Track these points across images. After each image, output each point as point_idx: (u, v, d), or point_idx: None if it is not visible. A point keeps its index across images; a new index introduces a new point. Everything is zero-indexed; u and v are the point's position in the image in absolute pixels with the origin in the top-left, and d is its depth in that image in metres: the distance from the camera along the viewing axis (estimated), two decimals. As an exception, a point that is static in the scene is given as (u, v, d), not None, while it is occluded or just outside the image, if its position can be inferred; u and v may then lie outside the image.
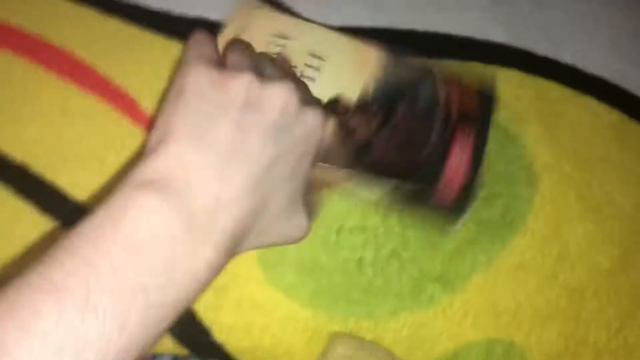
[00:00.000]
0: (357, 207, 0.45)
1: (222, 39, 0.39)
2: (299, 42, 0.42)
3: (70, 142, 0.44)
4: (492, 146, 0.48)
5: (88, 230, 0.25)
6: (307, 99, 0.34)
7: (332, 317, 0.43)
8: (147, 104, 0.46)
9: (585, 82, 0.53)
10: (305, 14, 0.51)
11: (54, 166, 0.43)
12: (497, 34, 0.54)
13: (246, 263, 0.43)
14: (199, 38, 0.34)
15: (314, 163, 0.33)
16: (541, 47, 0.54)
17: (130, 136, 0.44)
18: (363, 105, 0.40)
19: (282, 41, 0.42)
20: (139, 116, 0.45)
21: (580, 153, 0.49)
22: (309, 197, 0.34)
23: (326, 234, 0.44)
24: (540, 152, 0.49)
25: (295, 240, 0.34)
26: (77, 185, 0.43)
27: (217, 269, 0.28)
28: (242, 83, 0.30)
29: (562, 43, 0.55)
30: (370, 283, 0.43)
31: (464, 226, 0.42)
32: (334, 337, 0.42)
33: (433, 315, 0.43)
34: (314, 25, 0.44)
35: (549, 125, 0.50)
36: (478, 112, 0.43)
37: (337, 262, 0.44)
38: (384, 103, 0.41)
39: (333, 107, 0.40)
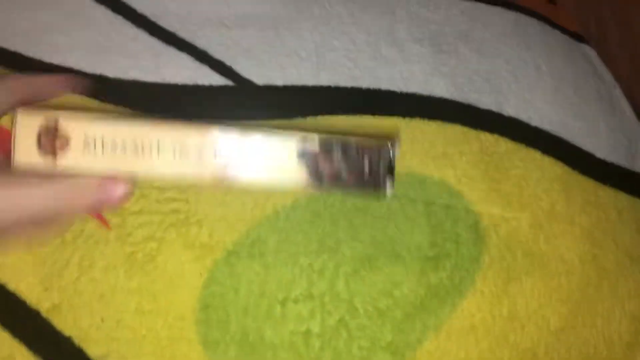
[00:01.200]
0: (302, 274, 0.43)
1: None
2: None
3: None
4: (438, 206, 0.47)
5: None
6: None
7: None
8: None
9: (529, 134, 0.53)
10: (246, 74, 0.50)
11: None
12: (441, 87, 0.54)
13: (185, 341, 0.41)
14: None
15: None
16: (485, 100, 0.54)
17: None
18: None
19: None
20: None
21: (527, 208, 0.49)
22: None
23: (270, 306, 0.42)
24: (487, 209, 0.48)
25: None
26: (4, 267, 0.40)
27: None
28: None
29: (505, 93, 0.55)
30: (318, 357, 0.41)
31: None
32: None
33: (383, 387, 0.41)
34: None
35: (494, 180, 0.50)
36: None
37: (283, 336, 0.42)
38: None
39: None
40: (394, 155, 0.34)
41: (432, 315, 0.44)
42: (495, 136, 0.52)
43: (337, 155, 0.34)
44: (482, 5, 0.62)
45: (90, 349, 0.39)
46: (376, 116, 0.51)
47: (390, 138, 0.33)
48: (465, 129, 0.51)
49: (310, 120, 0.49)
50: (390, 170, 0.34)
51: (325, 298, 0.43)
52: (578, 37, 0.65)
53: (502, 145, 0.51)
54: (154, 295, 0.42)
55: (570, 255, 0.48)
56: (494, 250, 0.47)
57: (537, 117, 0.54)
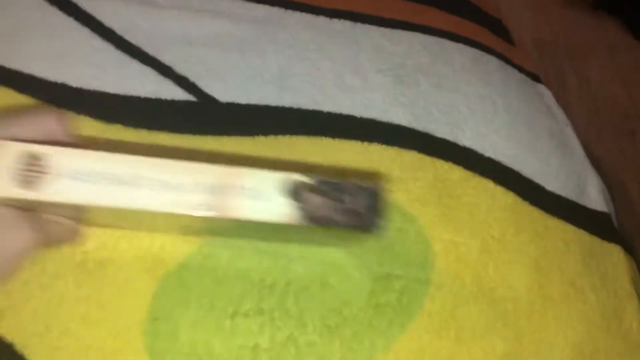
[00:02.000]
0: (253, 289, 0.43)
1: None
2: None
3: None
4: (390, 228, 0.48)
5: None
6: None
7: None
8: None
9: (483, 164, 0.55)
10: (209, 90, 0.51)
11: None
12: (399, 115, 0.55)
13: (132, 352, 0.40)
14: None
15: None
16: (442, 130, 0.56)
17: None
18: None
19: None
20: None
21: (477, 235, 0.51)
22: None
23: (220, 319, 0.42)
24: (438, 234, 0.49)
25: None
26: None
27: None
28: None
29: (461, 126, 0.57)
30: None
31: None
32: None
33: (328, 405, 0.41)
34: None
35: (447, 206, 0.51)
36: None
37: (231, 349, 0.42)
38: None
39: None
40: (382, 195, 0.34)
41: (381, 335, 0.44)
42: (450, 164, 0.53)
43: (328, 196, 0.34)
44: (444, 41, 0.64)
45: (32, 357, 0.39)
46: (336, 139, 0.52)
47: (378, 179, 0.34)
48: (421, 156, 0.53)
49: (271, 139, 0.50)
50: (380, 209, 0.35)
51: (275, 313, 0.43)
52: (533, 77, 0.68)
53: (455, 172, 0.53)
54: (102, 304, 0.41)
55: (518, 283, 0.49)
56: (443, 274, 0.48)
57: (491, 149, 0.56)
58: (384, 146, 0.52)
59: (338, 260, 0.46)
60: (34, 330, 0.39)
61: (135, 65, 0.50)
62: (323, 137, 0.52)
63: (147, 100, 0.49)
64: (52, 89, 0.48)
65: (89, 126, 0.47)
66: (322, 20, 0.60)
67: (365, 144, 0.52)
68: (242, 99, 0.52)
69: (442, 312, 0.46)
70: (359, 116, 0.54)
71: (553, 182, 0.56)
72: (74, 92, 0.48)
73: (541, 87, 0.67)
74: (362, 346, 0.44)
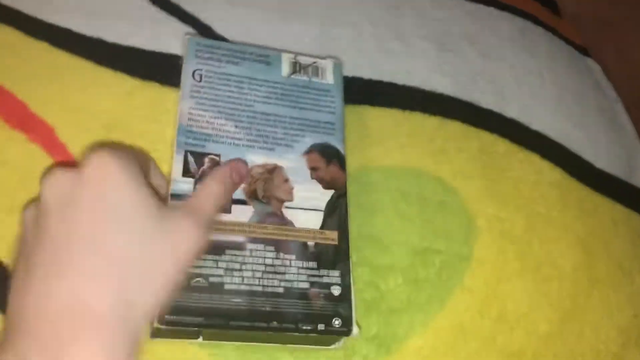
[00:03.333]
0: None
1: None
2: None
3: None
4: (432, 201, 0.46)
5: None
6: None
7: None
8: (67, 135, 0.42)
9: (529, 138, 0.52)
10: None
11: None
12: (443, 85, 0.53)
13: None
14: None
15: None
16: (487, 100, 0.53)
17: (44, 169, 0.41)
18: None
19: None
20: (56, 148, 0.41)
21: (522, 210, 0.48)
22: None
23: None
24: (481, 208, 0.47)
25: (191, 251, 0.30)
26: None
27: None
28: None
29: (507, 97, 0.55)
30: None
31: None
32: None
33: (366, 378, 0.40)
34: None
35: (491, 180, 0.49)
36: None
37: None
38: None
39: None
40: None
41: (420, 310, 0.43)
42: (495, 136, 0.51)
43: None
44: (490, 9, 0.62)
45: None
46: (376, 107, 0.50)
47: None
48: (465, 127, 0.51)
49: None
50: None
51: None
52: (582, 50, 0.65)
53: (501, 145, 0.51)
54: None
55: (563, 261, 0.47)
56: (486, 250, 0.46)
57: (538, 122, 0.53)
58: (426, 115, 0.50)
59: (375, 234, 0.44)
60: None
61: (172, 23, 0.49)
62: (362, 105, 0.50)
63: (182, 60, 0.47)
64: (88, 44, 0.46)
65: (124, 83, 0.45)
66: (364, -17, 0.57)
67: (407, 112, 0.50)
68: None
69: (483, 288, 0.45)
70: (400, 83, 0.52)
71: (602, 159, 0.54)
72: (109, 47, 0.46)
73: (590, 62, 0.64)
74: (400, 321, 0.42)
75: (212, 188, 0.34)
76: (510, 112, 0.53)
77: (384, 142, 0.48)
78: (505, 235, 0.47)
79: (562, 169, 0.51)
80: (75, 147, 0.42)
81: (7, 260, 0.38)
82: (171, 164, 0.37)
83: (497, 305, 0.44)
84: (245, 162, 0.38)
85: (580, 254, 0.48)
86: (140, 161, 0.31)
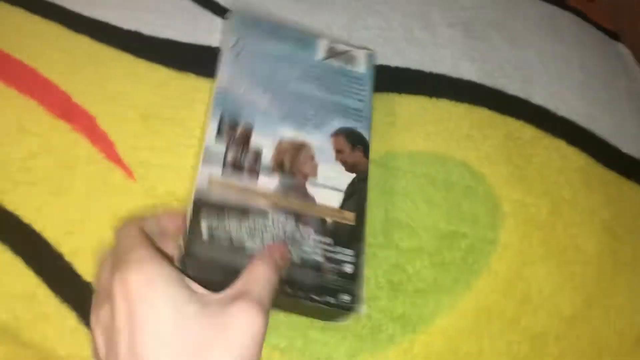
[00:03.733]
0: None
1: None
2: None
3: (24, 161, 0.42)
4: (458, 186, 0.47)
5: None
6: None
7: (290, 357, 0.42)
8: (107, 124, 0.44)
9: (556, 124, 0.53)
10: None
11: (4, 187, 0.41)
12: (470, 72, 0.54)
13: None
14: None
15: None
16: (513, 86, 0.54)
17: (87, 156, 0.43)
18: None
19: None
20: (97, 136, 0.44)
21: (548, 195, 0.49)
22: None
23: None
24: (507, 193, 0.48)
25: (256, 336, 0.29)
26: (29, 207, 0.41)
27: None
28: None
29: (534, 83, 0.55)
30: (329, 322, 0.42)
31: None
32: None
33: (393, 356, 0.41)
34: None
35: (517, 166, 0.50)
36: None
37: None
38: None
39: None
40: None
41: (446, 293, 0.44)
42: (521, 122, 0.52)
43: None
44: (518, -5, 0.62)
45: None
46: (402, 94, 0.51)
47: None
48: (492, 113, 0.51)
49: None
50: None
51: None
52: (612, 35, 0.64)
53: (527, 131, 0.51)
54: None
55: (588, 245, 0.48)
56: (511, 234, 0.47)
57: (565, 108, 0.54)
58: (453, 102, 0.51)
59: (403, 217, 0.46)
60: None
61: (207, 16, 0.50)
62: (389, 93, 0.51)
63: (217, 50, 0.49)
64: (126, 37, 0.48)
65: (160, 74, 0.47)
66: (392, -29, 0.58)
67: (434, 99, 0.51)
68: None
69: (508, 271, 0.46)
70: (427, 71, 0.53)
71: (629, 145, 0.54)
72: (146, 40, 0.48)
73: (620, 46, 0.64)
74: (427, 303, 0.44)
75: (263, 271, 0.32)
76: (537, 98, 0.54)
77: (411, 129, 0.49)
78: (530, 220, 0.48)
79: (588, 154, 0.52)
80: (114, 135, 0.44)
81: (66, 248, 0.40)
82: (205, 126, 0.39)
83: (521, 288, 0.45)
84: (287, 245, 0.37)
85: (606, 238, 0.49)
86: (156, 255, 0.30)
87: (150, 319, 0.27)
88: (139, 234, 0.32)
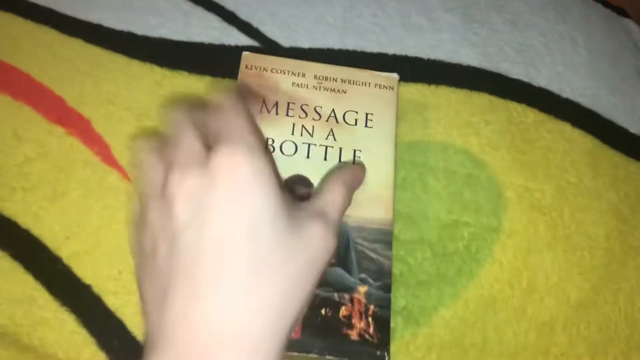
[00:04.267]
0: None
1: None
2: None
3: (20, 167, 0.42)
4: (460, 174, 0.47)
5: None
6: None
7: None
8: (102, 127, 0.44)
9: (560, 106, 0.52)
10: (273, 36, 0.50)
11: (2, 194, 0.41)
12: (469, 56, 0.53)
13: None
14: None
15: None
16: (515, 70, 0.53)
17: (82, 160, 0.43)
18: None
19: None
20: (92, 139, 0.44)
21: (553, 180, 0.48)
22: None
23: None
24: (510, 179, 0.47)
25: (325, 259, 0.28)
26: (27, 213, 0.41)
27: None
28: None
29: (537, 65, 0.54)
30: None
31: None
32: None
33: (395, 350, 0.41)
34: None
35: (520, 151, 0.49)
36: None
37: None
38: None
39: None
40: None
41: (449, 283, 0.43)
42: (524, 106, 0.50)
43: None
44: (520, -24, 0.60)
45: (107, 299, 0.40)
46: (401, 82, 0.50)
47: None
48: (493, 98, 0.50)
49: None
50: None
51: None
52: (620, 11, 0.62)
53: (530, 115, 0.50)
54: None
55: (596, 230, 0.47)
56: (516, 221, 0.46)
57: (569, 90, 0.52)
58: (452, 88, 0.50)
59: (403, 209, 0.45)
60: (108, 273, 0.41)
61: (199, 12, 0.50)
62: (389, 81, 0.50)
63: (211, 47, 0.49)
64: (119, 38, 0.48)
65: (153, 73, 0.47)
66: (388, -42, 0.57)
67: (432, 86, 0.50)
68: (306, 43, 0.50)
69: (513, 260, 0.45)
70: (426, 57, 0.52)
71: (638, 125, 0.53)
72: (140, 40, 0.48)
73: (628, 22, 0.62)
74: (429, 294, 0.43)
75: (343, 198, 0.32)
76: (540, 80, 0.53)
77: (409, 117, 0.48)
78: (535, 206, 0.47)
79: (594, 136, 0.50)
80: (110, 137, 0.44)
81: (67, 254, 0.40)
82: None
83: (527, 276, 0.44)
84: (364, 167, 0.40)
85: (614, 221, 0.47)
86: (262, 142, 0.29)
87: (250, 209, 0.26)
88: (243, 112, 0.30)
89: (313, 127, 0.41)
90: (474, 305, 0.43)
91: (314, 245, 0.28)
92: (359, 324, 0.36)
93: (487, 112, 0.50)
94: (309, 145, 0.41)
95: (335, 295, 0.37)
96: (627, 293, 0.45)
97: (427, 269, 0.43)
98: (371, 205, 0.39)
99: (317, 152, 0.40)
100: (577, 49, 0.56)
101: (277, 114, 0.41)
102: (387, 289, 0.37)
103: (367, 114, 0.42)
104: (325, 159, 0.40)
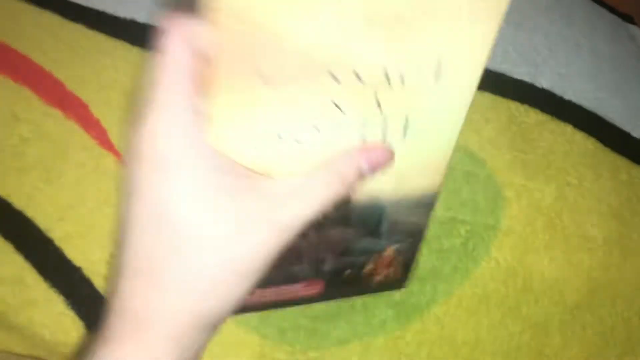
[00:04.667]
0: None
1: None
2: None
3: (16, 148, 0.42)
4: (458, 171, 0.46)
5: None
6: None
7: (280, 345, 0.41)
8: (100, 111, 0.44)
9: (562, 108, 0.51)
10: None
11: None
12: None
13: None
14: None
15: None
16: (518, 70, 0.52)
17: (79, 143, 0.43)
18: None
19: None
20: (90, 123, 0.43)
21: (553, 181, 0.48)
22: None
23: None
24: (509, 178, 0.47)
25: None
26: (21, 194, 0.41)
27: None
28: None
29: (540, 67, 0.53)
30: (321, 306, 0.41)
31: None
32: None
33: (384, 343, 0.40)
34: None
35: (520, 150, 0.48)
36: None
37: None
38: None
39: None
40: None
41: (443, 280, 0.43)
42: (526, 106, 0.50)
43: None
44: (526, -22, 0.60)
45: (97, 282, 0.40)
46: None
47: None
48: (495, 97, 0.50)
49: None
50: None
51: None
52: (626, 17, 0.62)
53: (532, 115, 0.50)
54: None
55: (595, 232, 0.46)
56: (513, 220, 0.45)
57: (572, 92, 0.52)
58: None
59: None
60: (100, 257, 0.40)
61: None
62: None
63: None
64: (122, 25, 0.48)
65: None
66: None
67: (435, 84, 0.50)
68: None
69: (510, 259, 0.44)
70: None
71: (640, 129, 0.52)
72: (141, 27, 0.48)
73: (633, 28, 0.61)
74: (423, 290, 0.43)
75: (325, 187, 0.26)
76: (543, 82, 0.52)
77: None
78: (533, 206, 0.46)
79: (596, 138, 0.50)
80: (107, 122, 0.44)
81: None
82: None
83: (523, 276, 0.44)
84: (390, 152, 0.28)
85: (613, 224, 0.47)
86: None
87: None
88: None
89: (346, 100, 0.26)
90: (467, 303, 0.43)
91: (248, 251, 0.24)
92: (384, 272, 0.36)
93: (488, 110, 0.49)
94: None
95: (361, 258, 0.35)
96: (625, 296, 0.45)
97: (422, 265, 0.43)
98: (418, 177, 0.31)
99: (346, 129, 0.27)
100: (581, 52, 0.56)
101: (274, 85, 0.24)
102: (419, 240, 0.36)
103: (439, 60, 0.26)
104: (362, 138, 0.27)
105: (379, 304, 0.41)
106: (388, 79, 0.26)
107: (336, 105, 0.26)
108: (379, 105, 0.26)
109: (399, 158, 0.29)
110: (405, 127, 0.28)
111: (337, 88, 0.25)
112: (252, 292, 0.27)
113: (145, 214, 0.24)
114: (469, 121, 0.48)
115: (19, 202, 0.41)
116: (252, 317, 0.40)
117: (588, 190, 0.48)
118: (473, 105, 0.49)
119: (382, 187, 0.31)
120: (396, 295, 0.42)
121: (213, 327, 0.25)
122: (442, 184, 0.32)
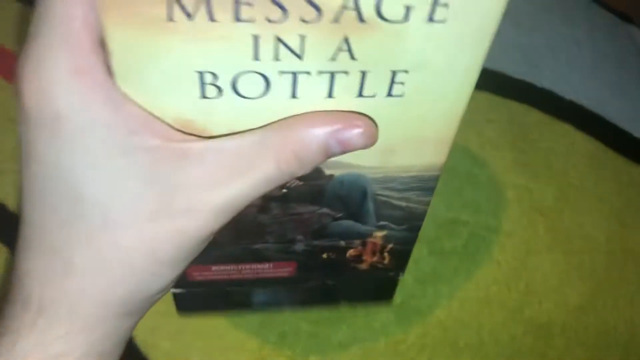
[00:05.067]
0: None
1: None
2: None
3: (12, 150, 0.42)
4: (459, 172, 0.46)
5: None
6: None
7: (281, 349, 0.40)
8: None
9: (563, 107, 0.51)
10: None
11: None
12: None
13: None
14: None
15: None
16: (518, 70, 0.52)
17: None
18: None
19: None
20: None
21: (554, 181, 0.47)
22: None
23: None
24: (511, 179, 0.46)
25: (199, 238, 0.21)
26: (16, 196, 0.41)
27: None
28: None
29: (540, 67, 0.53)
30: (322, 310, 0.40)
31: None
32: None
33: (385, 347, 0.40)
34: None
35: (521, 151, 0.48)
36: None
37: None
38: None
39: None
40: None
41: (445, 282, 0.42)
42: (526, 106, 0.50)
43: None
44: (525, -22, 0.60)
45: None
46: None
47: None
48: (495, 97, 0.50)
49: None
50: None
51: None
52: (625, 17, 0.62)
53: (532, 115, 0.49)
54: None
55: (597, 233, 0.46)
56: (515, 222, 0.45)
57: (573, 92, 0.52)
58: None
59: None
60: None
61: None
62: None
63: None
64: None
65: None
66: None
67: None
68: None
69: (512, 261, 0.44)
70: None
71: (641, 129, 0.52)
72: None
73: (633, 28, 0.61)
74: (425, 293, 0.42)
75: (273, 166, 0.20)
76: (544, 81, 0.52)
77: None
78: (535, 207, 0.46)
79: (597, 139, 0.50)
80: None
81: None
82: None
83: (525, 278, 0.43)
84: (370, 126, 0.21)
85: (615, 225, 0.46)
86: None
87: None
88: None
89: (303, 37, 0.19)
90: (469, 305, 0.42)
91: (170, 237, 0.20)
92: (370, 259, 0.31)
93: (489, 110, 0.49)
94: (295, 74, 0.20)
95: (342, 242, 0.31)
96: (627, 298, 0.44)
97: (423, 268, 0.43)
98: (411, 153, 0.25)
99: (313, 86, 0.20)
100: (582, 52, 0.55)
101: (212, 19, 0.17)
102: (414, 229, 0.31)
103: None
104: (330, 96, 0.21)
105: (380, 308, 0.40)
106: (358, 9, 0.18)
107: (284, 44, 0.19)
108: (349, 50, 0.19)
109: (384, 126, 0.22)
110: (390, 85, 0.21)
111: (281, 17, 0.18)
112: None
113: (48, 187, 0.19)
114: (469, 122, 0.48)
115: (14, 204, 0.40)
116: (252, 320, 0.40)
117: (589, 191, 0.47)
118: (474, 105, 0.49)
119: (363, 162, 0.25)
120: (397, 298, 0.41)
121: (137, 314, 0.22)
122: (442, 166, 0.26)
